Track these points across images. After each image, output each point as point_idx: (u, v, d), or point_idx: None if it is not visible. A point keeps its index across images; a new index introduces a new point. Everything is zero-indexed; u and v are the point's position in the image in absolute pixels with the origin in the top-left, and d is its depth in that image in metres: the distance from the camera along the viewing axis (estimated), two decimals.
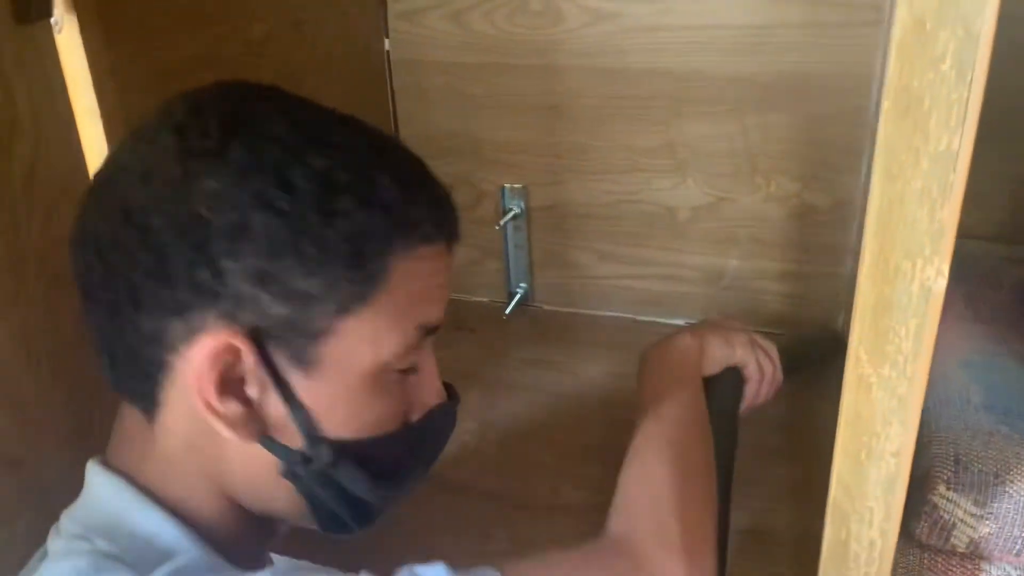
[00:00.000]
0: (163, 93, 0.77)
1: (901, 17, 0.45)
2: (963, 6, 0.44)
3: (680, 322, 1.28)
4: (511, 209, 1.28)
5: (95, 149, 0.67)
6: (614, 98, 1.17)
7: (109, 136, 0.66)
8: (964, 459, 0.65)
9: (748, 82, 1.10)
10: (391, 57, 1.25)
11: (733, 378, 0.81)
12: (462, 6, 1.19)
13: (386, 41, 1.25)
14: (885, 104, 0.47)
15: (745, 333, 0.81)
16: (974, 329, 0.85)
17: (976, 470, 0.65)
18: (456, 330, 1.30)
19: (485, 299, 1.39)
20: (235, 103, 0.51)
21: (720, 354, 0.79)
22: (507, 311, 1.32)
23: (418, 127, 1.29)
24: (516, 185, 1.27)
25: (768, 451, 1.00)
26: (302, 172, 0.48)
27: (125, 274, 0.48)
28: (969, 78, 0.45)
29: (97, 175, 0.52)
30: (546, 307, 1.36)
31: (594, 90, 1.17)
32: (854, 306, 0.54)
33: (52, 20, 0.62)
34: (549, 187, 1.26)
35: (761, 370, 0.80)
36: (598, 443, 1.02)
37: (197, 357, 0.48)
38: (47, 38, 0.61)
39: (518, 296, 1.34)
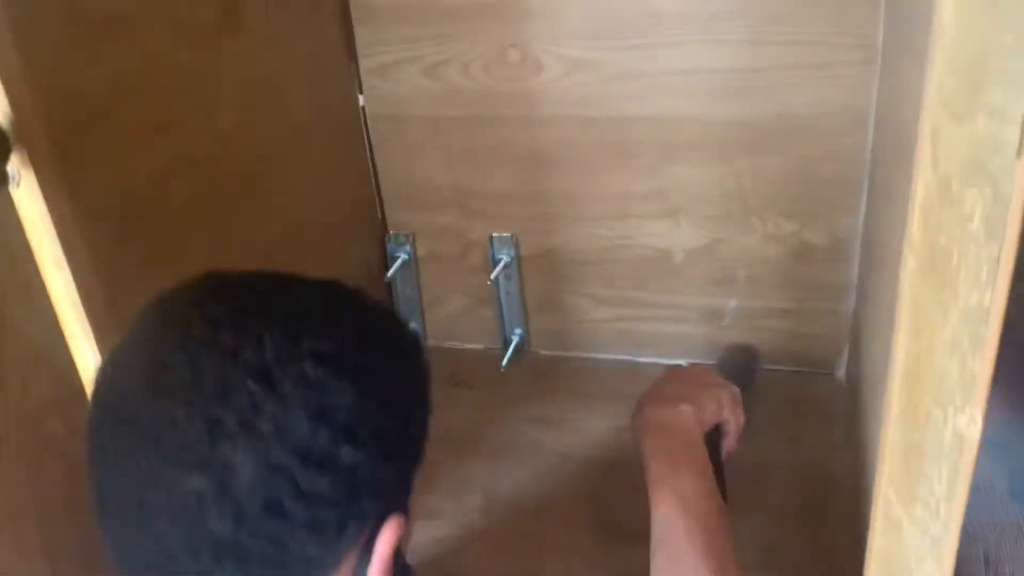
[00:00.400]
0: (132, 220, 0.74)
1: (924, 176, 0.42)
2: (991, 167, 0.41)
3: (681, 362, 1.25)
4: (501, 259, 1.25)
5: (67, 301, 0.63)
6: (600, 145, 1.14)
7: (80, 286, 0.63)
8: (994, 559, 0.63)
9: (736, 125, 1.07)
10: (367, 112, 1.21)
11: (716, 436, 0.81)
12: (435, 60, 1.15)
13: (360, 97, 1.21)
14: (909, 260, 0.45)
15: (726, 388, 0.80)
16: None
17: (1008, 572, 0.62)
18: (453, 387, 1.27)
19: (480, 346, 1.36)
20: (280, 315, 0.48)
21: (712, 419, 0.78)
22: (504, 363, 1.29)
23: (400, 180, 1.26)
24: (505, 234, 1.24)
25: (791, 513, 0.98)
26: (387, 370, 0.50)
27: (284, 532, 0.45)
28: (1001, 236, 0.42)
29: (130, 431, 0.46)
30: (543, 352, 1.33)
31: (579, 139, 1.14)
32: (881, 447, 0.51)
33: (9, 174, 0.57)
34: (540, 235, 1.23)
35: (737, 421, 0.80)
36: (609, 514, 1.00)
37: (381, 548, 0.50)
38: (5, 200, 0.57)
39: (514, 344, 1.32)
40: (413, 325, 1.36)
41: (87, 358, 0.66)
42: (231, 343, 0.45)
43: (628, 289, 1.23)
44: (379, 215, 1.28)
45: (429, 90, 1.17)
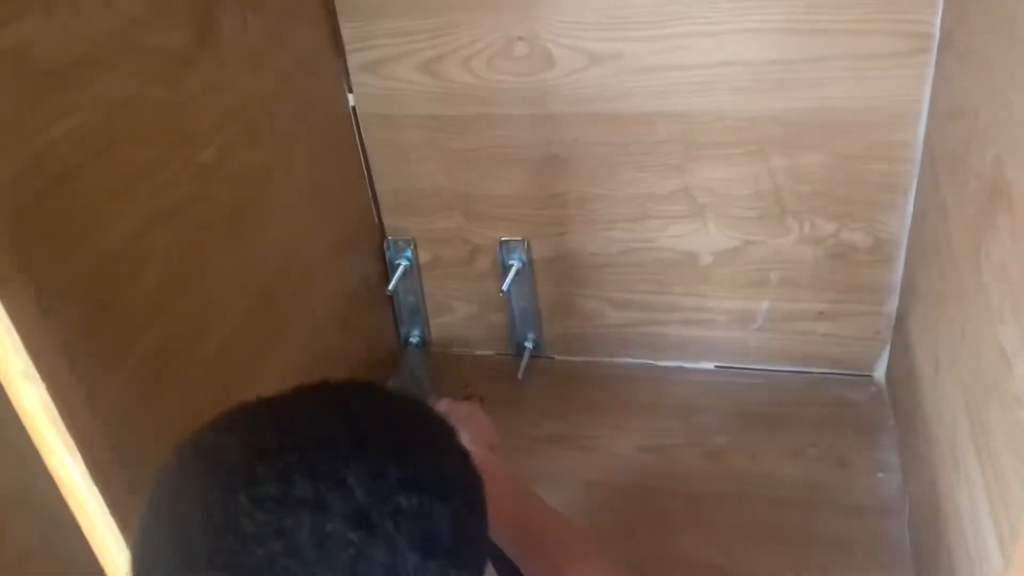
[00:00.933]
0: (105, 301, 0.64)
1: None
2: None
3: (709, 366, 1.20)
4: (512, 264, 1.16)
5: (37, 417, 0.54)
6: (619, 145, 1.04)
7: (56, 397, 0.54)
8: None
9: (772, 121, 0.98)
10: (357, 113, 1.10)
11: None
12: (431, 55, 1.04)
13: (350, 96, 1.09)
14: None
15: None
16: None
17: None
18: (466, 400, 1.20)
19: (490, 352, 1.29)
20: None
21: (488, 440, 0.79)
22: (520, 373, 1.21)
23: (396, 184, 1.16)
24: (515, 238, 1.15)
25: None
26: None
27: None
28: None
29: None
30: (558, 358, 1.26)
31: (596, 138, 1.04)
32: None
33: None
34: (552, 239, 1.15)
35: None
36: (642, 548, 0.94)
37: None
38: None
39: (528, 351, 1.24)
40: (417, 334, 1.28)
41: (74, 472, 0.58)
42: (315, 494, 0.40)
43: (649, 293, 1.16)
44: (376, 221, 1.19)
45: (425, 87, 1.06)
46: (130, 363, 0.69)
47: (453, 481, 0.45)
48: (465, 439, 0.72)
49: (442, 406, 0.82)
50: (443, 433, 0.49)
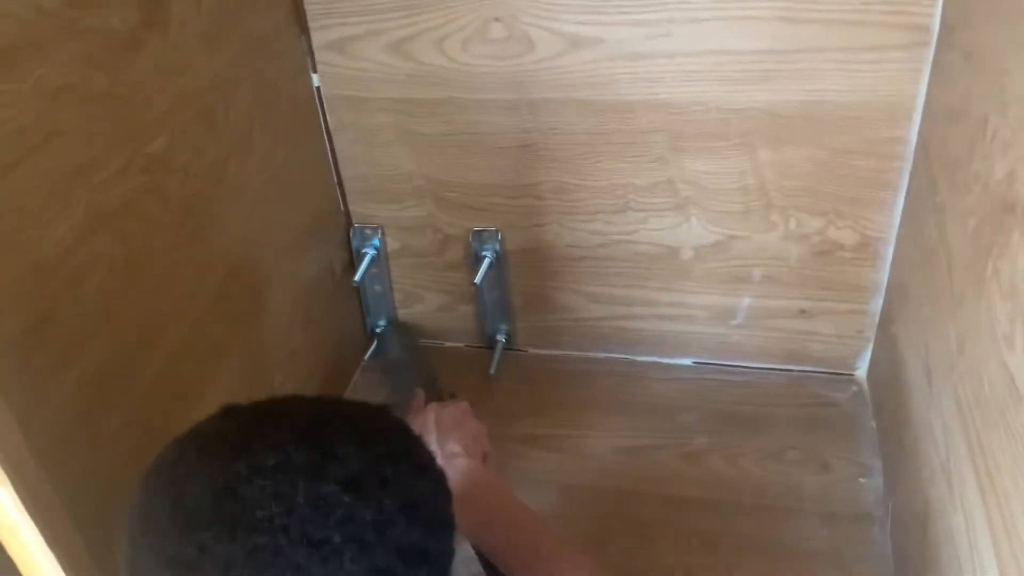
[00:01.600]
0: (45, 323, 0.59)
1: None
2: None
3: (687, 361, 1.17)
4: (484, 255, 1.12)
5: None
6: (600, 134, 1.00)
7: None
8: None
9: (760, 113, 0.94)
10: (322, 94, 1.04)
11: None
12: (402, 35, 0.98)
13: (314, 77, 1.03)
14: None
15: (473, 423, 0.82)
16: None
17: None
18: (436, 399, 1.15)
19: (461, 344, 1.25)
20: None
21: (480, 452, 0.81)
22: (492, 367, 1.18)
23: (364, 169, 1.10)
24: (488, 228, 1.11)
25: None
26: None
27: None
28: None
29: None
30: (531, 351, 1.22)
31: (576, 126, 1.00)
32: None
33: None
34: (527, 229, 1.10)
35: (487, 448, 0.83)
36: (618, 555, 0.92)
37: None
38: None
39: (500, 344, 1.20)
40: (383, 323, 1.23)
41: None
42: (310, 462, 0.45)
43: (628, 287, 1.12)
44: (342, 208, 1.13)
45: (395, 69, 1.00)
46: (70, 380, 0.64)
47: (429, 463, 0.51)
48: (457, 449, 0.75)
49: (431, 410, 0.81)
50: (411, 430, 0.53)
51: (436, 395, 0.99)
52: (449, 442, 0.77)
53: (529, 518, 0.74)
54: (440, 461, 0.73)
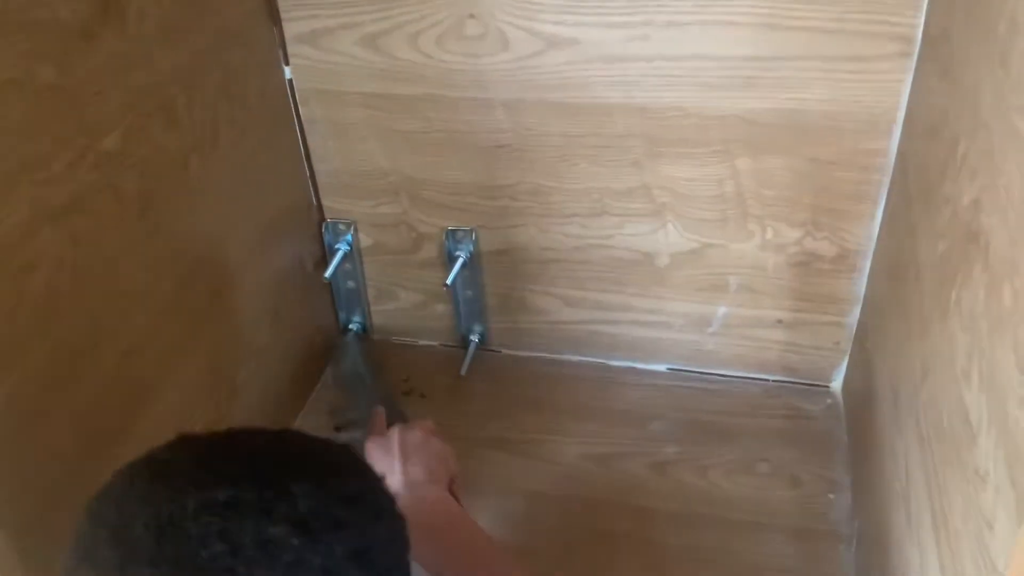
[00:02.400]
0: None
1: None
2: None
3: (661, 367, 1.16)
4: (458, 255, 1.11)
5: None
6: (577, 136, 0.98)
7: None
8: None
9: (739, 121, 0.93)
10: (294, 87, 1.02)
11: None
12: (376, 29, 0.96)
13: (286, 69, 1.01)
14: None
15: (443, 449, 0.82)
16: None
17: None
18: (407, 396, 1.15)
19: (435, 343, 1.24)
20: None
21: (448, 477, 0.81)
22: (464, 368, 1.17)
23: (337, 164, 1.09)
24: (463, 228, 1.09)
25: None
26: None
27: None
28: None
29: None
30: (505, 352, 1.21)
31: (552, 127, 0.98)
32: None
33: None
34: (502, 230, 1.09)
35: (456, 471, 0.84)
36: (581, 568, 0.91)
37: None
38: None
39: (473, 344, 1.19)
40: (357, 322, 1.22)
41: None
42: (261, 500, 0.43)
43: (603, 291, 1.11)
44: (314, 203, 1.12)
45: (369, 63, 0.98)
46: (10, 382, 0.62)
47: (387, 507, 0.49)
48: (420, 474, 0.74)
49: (394, 433, 0.80)
50: (373, 472, 0.51)
51: (396, 413, 0.98)
52: (413, 467, 0.75)
53: (494, 554, 0.73)
54: (402, 487, 0.74)
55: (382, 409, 0.89)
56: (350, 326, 1.22)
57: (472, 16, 0.92)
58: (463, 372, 1.16)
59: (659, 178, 0.99)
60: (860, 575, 0.88)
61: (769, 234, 1.00)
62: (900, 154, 0.89)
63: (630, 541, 0.94)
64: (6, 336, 0.62)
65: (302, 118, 1.05)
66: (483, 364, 1.19)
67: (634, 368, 1.16)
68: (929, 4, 0.81)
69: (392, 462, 0.77)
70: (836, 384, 1.11)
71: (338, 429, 1.06)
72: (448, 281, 1.08)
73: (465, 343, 1.20)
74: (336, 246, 1.14)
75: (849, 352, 1.07)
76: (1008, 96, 0.52)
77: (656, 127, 0.95)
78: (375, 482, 0.50)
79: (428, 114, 1.01)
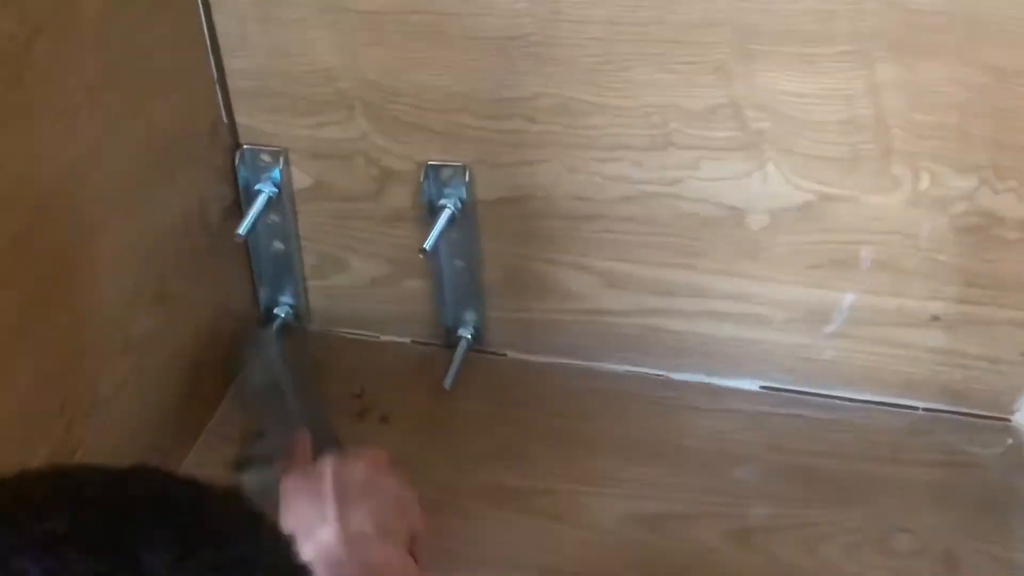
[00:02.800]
0: None
1: None
2: None
3: (751, 385, 1.20)
4: (444, 205, 1.13)
5: None
6: (631, 25, 0.99)
7: None
8: None
9: (886, 5, 0.93)
10: None
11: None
12: None
13: None
14: None
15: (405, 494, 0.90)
16: None
17: None
18: (359, 419, 1.17)
19: (405, 339, 1.28)
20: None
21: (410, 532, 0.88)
22: (448, 380, 1.19)
23: (260, 60, 1.11)
24: (452, 163, 1.11)
25: None
26: None
27: None
28: None
29: None
30: (509, 355, 1.26)
31: (594, 9, 0.99)
32: None
33: None
34: (512, 169, 1.11)
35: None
36: None
37: None
38: None
39: (464, 343, 1.23)
40: (287, 305, 1.23)
41: None
42: (96, 571, 0.44)
43: (665, 266, 1.14)
44: (222, 119, 1.14)
45: None
46: None
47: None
48: (367, 527, 0.77)
49: (326, 468, 0.84)
50: (276, 531, 0.53)
51: (329, 439, 1.00)
52: (355, 515, 0.78)
53: None
54: (338, 544, 0.76)
55: (306, 433, 0.91)
56: (275, 310, 1.25)
57: None
58: (447, 384, 1.20)
59: (755, 92, 1.00)
60: None
61: (924, 183, 1.01)
62: None
63: None
64: None
65: None
66: (477, 373, 1.22)
67: (710, 385, 1.20)
68: None
69: (323, 508, 0.80)
70: (1020, 417, 1.12)
71: (239, 467, 1.07)
72: (427, 245, 1.10)
73: (451, 340, 1.23)
74: (256, 187, 1.16)
75: None
76: None
77: (752, 12, 0.96)
78: (277, 545, 0.51)
79: None
